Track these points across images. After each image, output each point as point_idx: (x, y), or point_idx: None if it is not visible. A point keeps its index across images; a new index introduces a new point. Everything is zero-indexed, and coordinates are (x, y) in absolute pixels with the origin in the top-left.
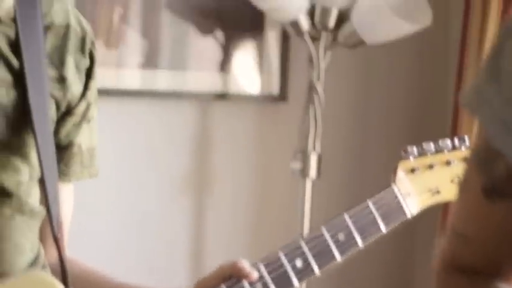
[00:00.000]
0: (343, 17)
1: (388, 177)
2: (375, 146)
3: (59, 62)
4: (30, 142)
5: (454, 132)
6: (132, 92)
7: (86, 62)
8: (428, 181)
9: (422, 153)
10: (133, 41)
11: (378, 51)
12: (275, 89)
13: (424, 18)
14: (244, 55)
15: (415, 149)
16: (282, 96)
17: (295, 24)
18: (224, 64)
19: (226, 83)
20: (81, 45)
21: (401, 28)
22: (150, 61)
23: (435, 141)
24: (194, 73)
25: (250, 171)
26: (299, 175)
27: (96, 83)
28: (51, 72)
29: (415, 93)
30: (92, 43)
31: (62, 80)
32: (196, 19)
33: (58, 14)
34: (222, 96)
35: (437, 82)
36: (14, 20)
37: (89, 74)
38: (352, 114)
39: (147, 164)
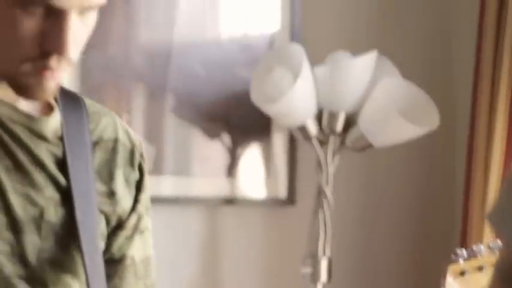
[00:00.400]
0: (350, 121)
1: (398, 280)
2: (384, 249)
3: (108, 177)
4: (80, 259)
5: (463, 233)
6: None
7: (135, 175)
8: (478, 283)
9: (472, 255)
10: None
11: (386, 153)
12: (283, 193)
13: (432, 121)
14: (252, 159)
15: (464, 252)
16: (290, 200)
17: (302, 129)
18: (231, 169)
19: (233, 187)
20: (130, 158)
21: (409, 131)
22: (156, 167)
23: (484, 244)
24: (200, 178)
25: (259, 276)
26: (310, 279)
27: (148, 194)
28: (100, 187)
29: (424, 196)
30: (141, 155)
31: (111, 194)
32: (203, 124)
33: (106, 129)
34: (230, 201)
35: (445, 185)
36: (61, 138)
37: (138, 187)
38: (361, 217)
39: (156, 270)
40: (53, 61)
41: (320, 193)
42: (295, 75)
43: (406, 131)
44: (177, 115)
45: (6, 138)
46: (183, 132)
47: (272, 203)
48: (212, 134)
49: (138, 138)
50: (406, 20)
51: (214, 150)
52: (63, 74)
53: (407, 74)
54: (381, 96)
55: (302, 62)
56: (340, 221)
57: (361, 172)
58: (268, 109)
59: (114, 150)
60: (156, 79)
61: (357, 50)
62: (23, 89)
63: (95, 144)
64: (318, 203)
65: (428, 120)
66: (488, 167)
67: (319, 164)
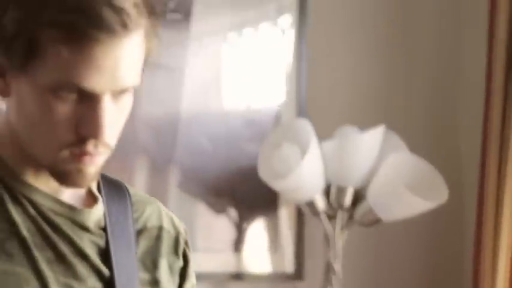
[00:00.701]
0: (359, 196)
1: None
2: None
3: (152, 265)
4: None
5: None
6: None
7: (179, 263)
8: None
9: None
10: None
11: (395, 228)
12: (290, 268)
13: (440, 195)
14: (258, 234)
15: None
16: (298, 275)
17: (310, 204)
18: (237, 244)
19: (240, 262)
20: (174, 246)
21: (418, 205)
22: None
23: None
24: (206, 253)
25: None
26: None
27: (192, 282)
28: (144, 276)
29: (433, 271)
30: (186, 243)
31: (155, 283)
32: (209, 198)
33: (151, 217)
34: (236, 277)
35: (454, 258)
36: (104, 228)
37: (183, 275)
38: None
39: None
40: (90, 146)
41: (328, 268)
42: (303, 150)
43: (414, 205)
44: (182, 190)
45: (48, 229)
46: (189, 207)
47: (279, 278)
48: (218, 208)
49: (183, 225)
50: (413, 94)
51: (220, 225)
52: (102, 159)
53: (414, 148)
54: (388, 170)
55: (310, 138)
56: None
57: (370, 247)
58: (276, 185)
59: (158, 238)
60: (161, 153)
61: (363, 124)
62: (63, 177)
63: (139, 232)
64: (326, 278)
65: (437, 194)
66: (496, 245)
67: (327, 239)
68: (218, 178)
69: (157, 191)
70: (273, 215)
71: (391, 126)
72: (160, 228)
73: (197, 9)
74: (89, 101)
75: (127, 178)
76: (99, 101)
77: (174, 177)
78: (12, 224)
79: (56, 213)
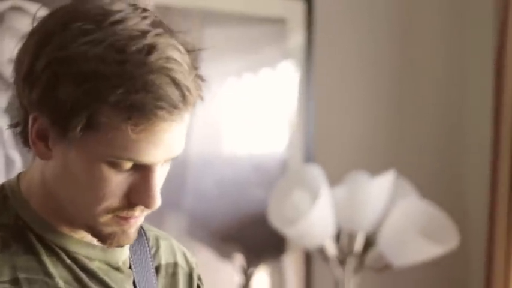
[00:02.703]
0: (369, 241)
1: None
2: None
3: None
4: None
5: None
6: None
7: None
8: None
9: None
10: None
11: (405, 273)
12: None
13: (451, 240)
14: (266, 280)
15: None
16: None
17: (321, 249)
18: None
19: None
20: (189, 282)
21: (428, 250)
22: None
23: None
24: None
25: None
26: None
27: None
28: None
29: None
30: (199, 278)
31: None
32: (216, 244)
33: (165, 253)
34: None
35: None
36: (130, 267)
37: None
38: None
39: None
40: (138, 211)
41: None
42: (314, 196)
43: (425, 250)
44: (189, 235)
45: (85, 277)
46: (195, 253)
47: None
48: (224, 254)
49: (195, 259)
50: (421, 139)
51: (227, 270)
52: (143, 217)
53: (425, 193)
54: (399, 216)
55: (320, 183)
56: None
57: None
58: (287, 231)
59: (174, 275)
60: (168, 199)
61: (371, 169)
62: (105, 237)
63: (157, 269)
64: None
65: (447, 239)
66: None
67: (337, 285)
68: (225, 223)
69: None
70: (280, 260)
71: (400, 171)
72: (175, 265)
73: (204, 55)
74: (143, 171)
75: None
76: (153, 171)
77: (180, 223)
78: (48, 276)
79: (91, 259)
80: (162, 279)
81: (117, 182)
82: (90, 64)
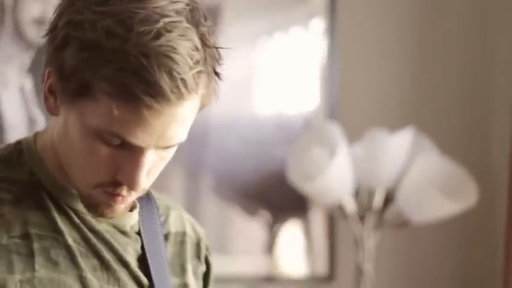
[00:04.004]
0: (388, 197)
1: None
2: None
3: (181, 270)
4: None
5: None
6: None
7: (202, 268)
8: None
9: None
10: None
11: (426, 230)
12: (322, 269)
13: (469, 197)
14: (290, 236)
15: None
16: (330, 276)
17: (340, 206)
18: (270, 246)
19: (272, 265)
20: (196, 252)
21: (447, 207)
22: None
23: None
24: (239, 256)
25: None
26: None
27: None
28: (175, 280)
29: (464, 272)
30: (207, 248)
31: (184, 287)
32: (241, 202)
33: (175, 222)
34: (269, 279)
35: (485, 260)
36: (138, 233)
37: (205, 280)
38: None
39: None
40: (124, 190)
41: (358, 270)
42: (332, 153)
43: (444, 207)
44: (215, 194)
45: (92, 237)
46: (222, 211)
47: (312, 280)
48: (250, 211)
49: (203, 230)
50: (443, 96)
51: (253, 228)
52: (133, 198)
53: (444, 148)
54: (418, 172)
55: (339, 141)
56: None
57: (402, 250)
58: (306, 188)
59: (182, 244)
60: (194, 159)
61: (394, 125)
62: (92, 206)
63: (165, 237)
64: (357, 280)
65: (466, 196)
66: None
67: (357, 241)
68: (249, 182)
69: (191, 195)
70: (305, 217)
71: (422, 127)
72: (183, 234)
73: (227, 15)
74: (131, 150)
75: (162, 184)
76: (142, 154)
77: (207, 182)
78: (58, 233)
79: (99, 221)
80: (171, 247)
81: (106, 155)
82: (96, 34)
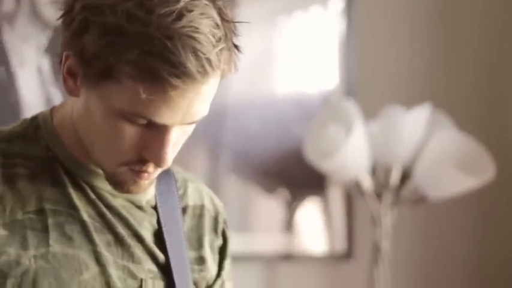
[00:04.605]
0: (405, 174)
1: None
2: None
3: (197, 243)
4: None
5: None
6: None
7: (219, 242)
8: None
9: None
10: None
11: (443, 207)
12: (341, 247)
13: (487, 173)
14: (308, 214)
15: None
16: (348, 254)
17: (357, 184)
18: (288, 224)
19: (290, 243)
20: (214, 225)
21: (464, 183)
22: None
23: None
24: (258, 234)
25: None
26: None
27: (229, 261)
28: (191, 254)
29: (483, 248)
30: (225, 222)
31: (201, 260)
32: (260, 180)
33: (193, 195)
34: (287, 257)
35: (503, 237)
36: (155, 207)
37: (222, 253)
38: (421, 270)
39: None
40: (150, 167)
41: (376, 247)
42: (348, 130)
43: (461, 183)
44: (234, 173)
45: (108, 213)
46: (240, 189)
47: (330, 257)
48: (269, 189)
49: (221, 203)
50: (460, 71)
51: (271, 205)
52: (159, 172)
53: (461, 125)
54: (435, 149)
55: (355, 118)
56: (400, 274)
57: (420, 227)
58: (323, 165)
59: (200, 217)
60: (213, 138)
61: (410, 102)
62: (117, 184)
63: (183, 210)
64: (374, 257)
65: (483, 172)
66: None
67: (374, 218)
68: (269, 160)
69: (212, 175)
70: (323, 195)
71: (438, 104)
72: (202, 207)
73: None
74: (156, 129)
75: (184, 163)
76: (167, 132)
77: (226, 161)
78: (73, 208)
79: (114, 196)
80: (189, 220)
81: (131, 134)
82: (117, 18)
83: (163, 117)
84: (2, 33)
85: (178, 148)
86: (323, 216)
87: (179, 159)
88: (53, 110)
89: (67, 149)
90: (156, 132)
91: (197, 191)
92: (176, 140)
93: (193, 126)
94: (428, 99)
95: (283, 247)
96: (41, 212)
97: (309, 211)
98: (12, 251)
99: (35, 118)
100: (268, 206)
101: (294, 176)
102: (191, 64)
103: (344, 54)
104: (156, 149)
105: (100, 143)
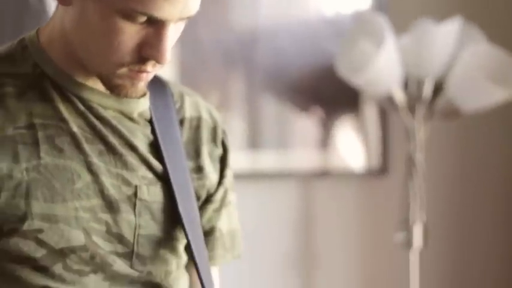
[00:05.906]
0: (437, 88)
1: (492, 242)
2: (479, 212)
3: (195, 153)
4: (177, 235)
5: None
6: (238, 175)
7: (218, 151)
8: None
9: None
10: (236, 124)
11: (475, 120)
12: (376, 163)
13: None
14: (343, 131)
15: None
16: (383, 169)
17: (389, 98)
18: (323, 141)
19: (326, 159)
20: (212, 136)
21: (497, 94)
22: (254, 142)
23: None
24: (295, 151)
25: (354, 247)
26: (404, 247)
27: (231, 170)
28: (189, 164)
29: None
30: (223, 132)
31: (199, 170)
32: (294, 97)
33: (190, 108)
34: (323, 173)
35: None
36: (150, 120)
37: (223, 162)
38: (455, 183)
39: (255, 243)
40: (150, 66)
41: (410, 161)
42: (379, 44)
43: (493, 95)
44: (269, 92)
45: (98, 123)
46: (274, 106)
47: (365, 173)
48: (304, 108)
49: (220, 115)
50: None
51: (307, 124)
52: (155, 72)
53: (492, 37)
54: (467, 61)
55: (385, 32)
56: (434, 187)
57: (454, 141)
58: (354, 79)
59: (198, 128)
60: (248, 60)
61: (441, 15)
62: (115, 88)
63: (181, 122)
64: (408, 171)
65: None
66: None
67: (408, 132)
68: (302, 78)
69: (247, 95)
70: (357, 111)
71: (469, 16)
72: (199, 119)
73: None
74: (156, 25)
75: (219, 84)
76: (166, 27)
77: (261, 81)
78: (62, 121)
79: (105, 107)
80: (186, 131)
81: (130, 33)
82: None
83: (163, 11)
84: None
85: (171, 48)
86: (357, 132)
87: (217, 82)
88: (38, 30)
89: (55, 64)
90: (156, 29)
91: (194, 104)
92: (172, 38)
93: (183, 24)
94: (458, 12)
95: (319, 164)
96: (31, 126)
97: (344, 128)
98: (4, 165)
99: (22, 40)
100: (304, 124)
101: (328, 93)
102: None
103: None
104: (156, 44)
105: (99, 47)
